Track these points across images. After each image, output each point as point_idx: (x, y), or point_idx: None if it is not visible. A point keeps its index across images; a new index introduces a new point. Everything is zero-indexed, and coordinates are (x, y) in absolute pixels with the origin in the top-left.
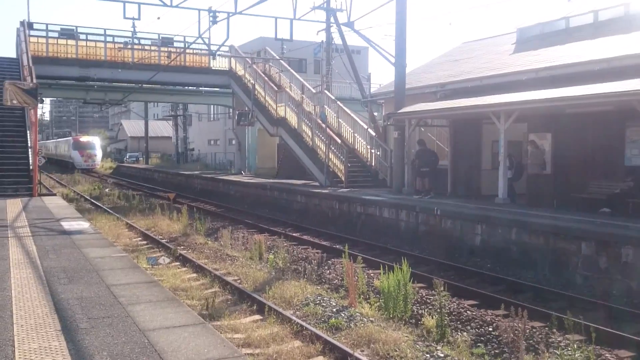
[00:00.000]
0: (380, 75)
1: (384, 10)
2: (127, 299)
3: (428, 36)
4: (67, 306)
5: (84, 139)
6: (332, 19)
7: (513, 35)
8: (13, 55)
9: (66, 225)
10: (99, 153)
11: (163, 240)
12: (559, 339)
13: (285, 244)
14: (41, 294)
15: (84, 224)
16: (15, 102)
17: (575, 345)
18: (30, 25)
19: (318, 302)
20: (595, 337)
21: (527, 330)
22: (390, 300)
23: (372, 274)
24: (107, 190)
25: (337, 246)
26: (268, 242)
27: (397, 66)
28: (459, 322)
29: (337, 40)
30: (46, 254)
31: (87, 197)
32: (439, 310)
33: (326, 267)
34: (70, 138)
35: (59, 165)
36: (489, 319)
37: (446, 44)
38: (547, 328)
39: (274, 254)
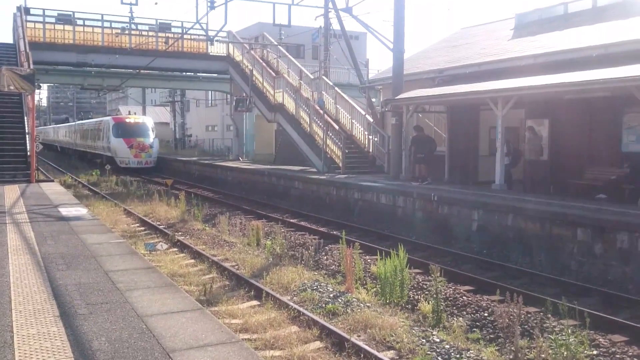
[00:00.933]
0: (379, 61)
1: None
2: (125, 284)
3: (426, 22)
4: (66, 292)
5: (131, 119)
6: (330, 5)
7: (511, 20)
8: (10, 40)
9: (64, 211)
10: (155, 143)
11: (161, 227)
12: (553, 324)
13: (282, 230)
14: (39, 280)
15: (82, 210)
16: (12, 88)
17: (569, 330)
18: (27, 11)
19: (315, 287)
20: (589, 322)
21: (522, 316)
22: (387, 286)
23: (369, 260)
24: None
25: (335, 232)
26: (265, 228)
27: (395, 52)
28: (454, 308)
29: (336, 25)
30: (44, 240)
31: (85, 184)
32: (435, 295)
33: (323, 253)
34: (108, 118)
35: (85, 160)
36: (484, 305)
37: (445, 30)
38: (542, 313)
39: (272, 240)
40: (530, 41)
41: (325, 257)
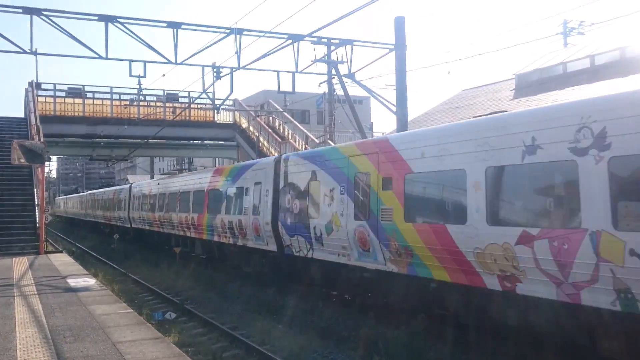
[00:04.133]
0: (383, 124)
1: (385, 61)
2: (133, 356)
3: (428, 84)
4: None
5: None
6: (333, 71)
7: (512, 81)
8: (21, 115)
9: (72, 282)
10: None
11: (169, 295)
12: None
13: (293, 297)
14: (47, 353)
15: (90, 281)
16: (22, 161)
17: None
18: (38, 86)
19: (326, 354)
20: None
21: None
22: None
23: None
24: (112, 246)
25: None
26: (276, 296)
27: (398, 115)
28: None
29: (339, 91)
30: (52, 312)
31: (93, 254)
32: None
33: (333, 320)
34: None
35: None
36: None
37: (446, 91)
38: None
39: (282, 307)
40: (532, 101)
41: (336, 323)
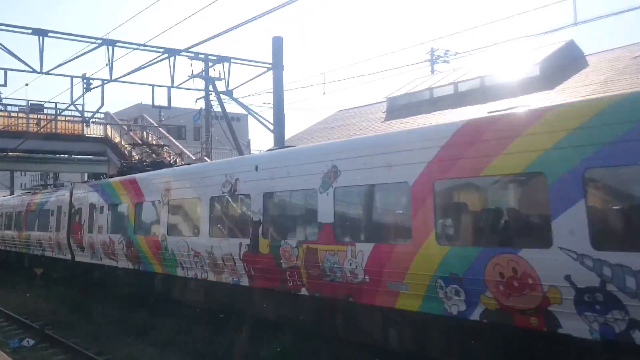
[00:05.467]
0: (261, 142)
1: (263, 79)
2: None
3: (306, 103)
4: None
5: None
6: (211, 87)
7: (384, 104)
8: None
9: None
10: None
11: (27, 320)
12: None
13: (164, 317)
14: None
15: None
16: None
17: None
18: None
19: None
20: None
21: None
22: None
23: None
24: None
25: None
26: (147, 317)
27: (275, 133)
28: None
29: (217, 107)
30: None
31: None
32: None
33: (207, 340)
34: None
35: None
36: None
37: (324, 111)
38: None
39: (153, 328)
40: (402, 123)
41: (215, 343)
